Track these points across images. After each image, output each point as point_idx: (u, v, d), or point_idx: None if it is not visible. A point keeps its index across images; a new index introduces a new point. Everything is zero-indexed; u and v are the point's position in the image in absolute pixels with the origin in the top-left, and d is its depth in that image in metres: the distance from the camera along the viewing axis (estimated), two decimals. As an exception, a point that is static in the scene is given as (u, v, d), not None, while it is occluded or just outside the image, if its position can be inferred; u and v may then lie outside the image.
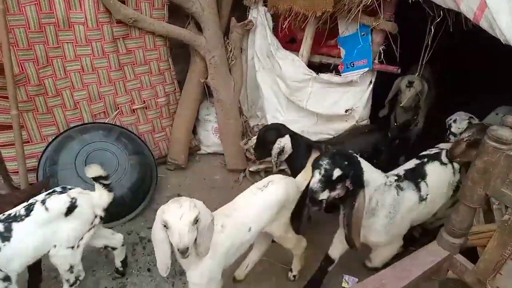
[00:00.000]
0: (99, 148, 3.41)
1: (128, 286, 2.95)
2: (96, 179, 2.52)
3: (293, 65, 3.59)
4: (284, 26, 3.46)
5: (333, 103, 3.51)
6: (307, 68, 3.56)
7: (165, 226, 1.88)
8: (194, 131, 4.39)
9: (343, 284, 3.08)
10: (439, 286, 2.29)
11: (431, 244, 2.12)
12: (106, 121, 3.70)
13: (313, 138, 3.79)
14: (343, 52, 3.39)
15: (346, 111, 3.41)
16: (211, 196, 3.88)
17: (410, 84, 3.49)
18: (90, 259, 3.11)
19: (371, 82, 3.38)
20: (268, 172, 4.20)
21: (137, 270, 3.07)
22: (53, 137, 3.42)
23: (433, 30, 2.77)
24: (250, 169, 4.13)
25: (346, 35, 3.33)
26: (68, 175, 3.26)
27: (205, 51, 3.74)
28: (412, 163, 2.61)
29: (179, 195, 3.86)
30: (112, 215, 3.35)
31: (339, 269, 3.18)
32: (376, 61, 3.26)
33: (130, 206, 3.48)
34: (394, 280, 1.91)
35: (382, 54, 3.22)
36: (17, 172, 3.11)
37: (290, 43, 3.99)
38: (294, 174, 2.79)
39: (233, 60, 3.91)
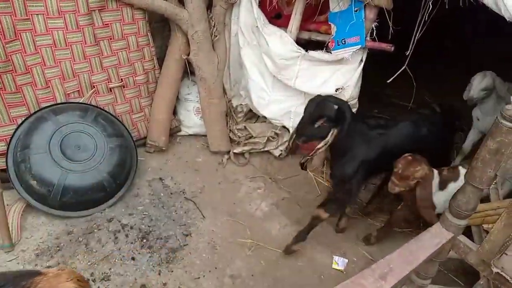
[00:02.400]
0: (75, 130, 3.18)
1: (112, 276, 2.79)
2: None
3: (281, 41, 3.44)
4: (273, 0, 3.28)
5: (323, 82, 3.40)
6: (296, 45, 3.42)
7: None
8: (174, 111, 4.18)
9: (333, 265, 3.07)
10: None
11: (435, 226, 2.07)
12: (81, 101, 3.45)
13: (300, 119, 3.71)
14: (334, 28, 3.26)
15: (337, 90, 3.31)
16: (195, 179, 3.74)
17: None
18: (68, 249, 2.93)
19: (362, 60, 3.29)
20: (252, 153, 4.08)
21: (120, 260, 2.91)
22: (24, 119, 3.15)
23: (430, 6, 2.68)
24: (235, 151, 3.99)
25: (338, 10, 3.19)
26: (41, 160, 3.03)
27: (188, 26, 3.51)
28: None
29: (161, 179, 3.70)
30: (91, 202, 3.18)
31: (329, 250, 3.18)
32: (368, 38, 3.16)
33: (110, 191, 3.28)
34: (402, 265, 1.85)
35: (375, 31, 3.12)
36: (-15, 157, 2.85)
37: (275, 18, 3.82)
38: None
39: (216, 36, 3.70)
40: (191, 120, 4.17)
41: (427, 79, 5.02)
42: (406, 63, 2.80)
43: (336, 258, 3.09)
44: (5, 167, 3.05)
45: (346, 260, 3.09)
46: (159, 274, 2.88)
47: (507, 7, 2.14)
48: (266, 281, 2.91)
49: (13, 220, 3.01)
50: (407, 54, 3.07)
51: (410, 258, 1.92)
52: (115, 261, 2.91)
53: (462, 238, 2.06)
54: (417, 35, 2.99)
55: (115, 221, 3.20)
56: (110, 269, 2.85)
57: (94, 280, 2.75)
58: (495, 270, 1.88)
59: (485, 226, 2.51)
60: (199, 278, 2.86)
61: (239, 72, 4.06)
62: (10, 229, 2.90)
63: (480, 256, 1.98)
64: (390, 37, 3.05)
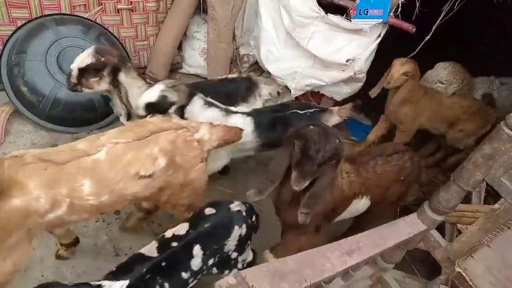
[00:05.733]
0: (75, 45, 3.08)
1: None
2: None
3: (303, -2, 3.28)
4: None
5: (336, 49, 3.29)
6: (317, 4, 3.27)
7: None
8: (179, 47, 4.05)
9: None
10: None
11: (411, 215, 2.09)
12: (86, 16, 3.31)
13: (305, 82, 3.64)
14: (359, -4, 3.11)
15: (347, 61, 3.21)
16: (188, 120, 3.69)
17: None
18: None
19: (380, 35, 3.18)
20: (250, 106, 4.01)
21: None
22: (24, 22, 3.03)
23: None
24: (232, 100, 3.91)
25: (368, -23, 3.03)
26: (36, 68, 2.97)
27: (209, -40, 3.33)
28: None
29: (153, 112, 3.64)
30: (80, 120, 3.15)
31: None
32: (391, 14, 3.03)
33: (101, 114, 3.24)
34: (370, 246, 1.88)
35: (400, 7, 2.98)
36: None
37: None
38: None
39: (236, -23, 3.52)
40: (195, 59, 4.06)
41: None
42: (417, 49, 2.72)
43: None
44: (-2, 68, 2.98)
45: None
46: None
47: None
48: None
49: (-1, 122, 2.98)
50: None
51: (379, 241, 1.95)
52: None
53: (434, 233, 2.07)
54: (440, 20, 2.89)
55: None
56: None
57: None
58: (457, 269, 1.92)
59: (459, 225, 2.54)
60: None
61: (253, 20, 3.89)
62: (-6, 130, 2.89)
63: (447, 253, 2.01)
64: (414, 17, 2.93)
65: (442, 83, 3.52)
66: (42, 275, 2.31)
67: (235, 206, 1.97)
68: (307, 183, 1.82)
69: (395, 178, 2.35)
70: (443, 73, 3.51)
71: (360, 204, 2.32)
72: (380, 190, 2.34)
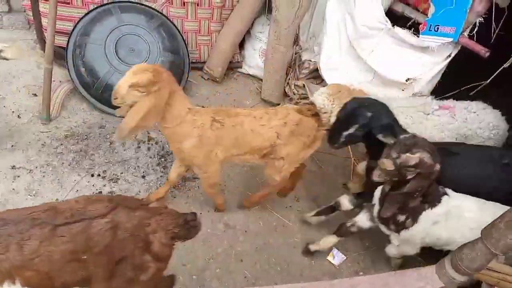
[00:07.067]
0: (134, 33, 3.21)
1: (120, 181, 2.91)
2: None
3: (370, 6, 3.03)
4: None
5: (398, 66, 2.99)
6: (385, 15, 3.00)
7: None
8: (241, 45, 4.02)
9: (329, 257, 2.87)
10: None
11: (427, 268, 1.81)
12: (152, 6, 3.41)
13: (361, 96, 3.37)
14: (432, 9, 2.78)
15: (407, 80, 2.90)
16: (234, 120, 3.64)
17: None
18: (94, 141, 3.08)
19: (450, 55, 2.82)
20: (302, 114, 3.85)
21: (134, 168, 3.00)
22: (94, 7, 3.22)
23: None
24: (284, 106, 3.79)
25: (444, -10, 2.70)
26: (95, 51, 3.13)
27: (278, -40, 3.22)
28: None
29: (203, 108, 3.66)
30: (128, 106, 3.25)
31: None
32: (465, 33, 2.66)
33: (149, 103, 3.32)
34: (367, 293, 1.66)
35: (477, 27, 2.60)
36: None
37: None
38: None
39: (306, -21, 3.36)
40: (254, 60, 3.99)
41: None
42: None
43: (335, 251, 2.89)
44: (65, 47, 3.19)
45: (344, 258, 2.88)
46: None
47: None
48: (256, 242, 2.83)
49: (58, 97, 3.20)
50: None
51: (381, 289, 1.72)
52: (129, 168, 3.01)
53: (452, 293, 1.77)
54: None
55: (144, 132, 3.27)
56: (122, 173, 2.96)
57: (104, 178, 2.89)
58: None
59: (497, 289, 2.14)
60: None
61: (320, 26, 3.72)
62: (52, 103, 3.11)
63: (464, 321, 1.70)
64: (492, 40, 2.54)
65: (322, 112, 2.57)
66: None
67: None
68: None
69: (70, 258, 1.49)
70: (318, 100, 2.57)
71: None
72: (40, 276, 1.48)
